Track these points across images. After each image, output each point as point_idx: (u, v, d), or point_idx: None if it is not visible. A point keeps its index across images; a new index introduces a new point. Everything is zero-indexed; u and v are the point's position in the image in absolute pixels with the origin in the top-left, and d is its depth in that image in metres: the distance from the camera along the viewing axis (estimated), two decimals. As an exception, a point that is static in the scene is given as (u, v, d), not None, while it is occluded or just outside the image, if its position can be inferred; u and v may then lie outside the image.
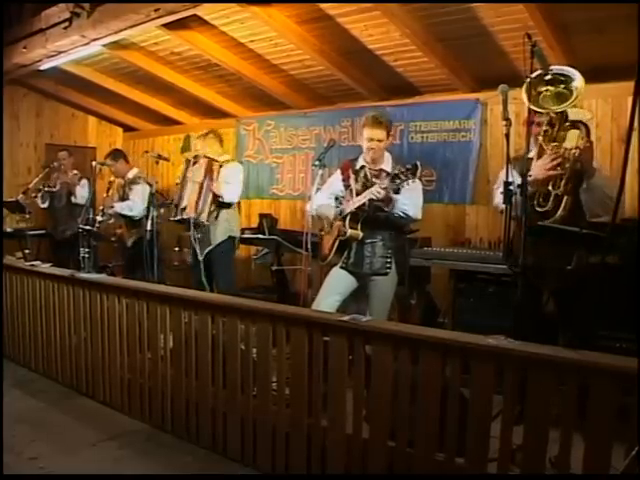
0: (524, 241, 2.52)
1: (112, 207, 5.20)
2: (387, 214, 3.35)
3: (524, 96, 2.64)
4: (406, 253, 3.62)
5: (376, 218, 3.39)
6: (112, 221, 5.33)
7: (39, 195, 6.05)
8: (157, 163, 4.94)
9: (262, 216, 5.38)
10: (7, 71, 5.69)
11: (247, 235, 5.11)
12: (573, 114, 2.82)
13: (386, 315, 3.51)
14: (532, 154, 2.82)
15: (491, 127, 4.74)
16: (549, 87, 2.69)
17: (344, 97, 5.57)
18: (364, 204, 3.32)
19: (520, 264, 2.53)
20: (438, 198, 4.99)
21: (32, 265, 4.21)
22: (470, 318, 3.86)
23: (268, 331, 2.73)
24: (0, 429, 2.96)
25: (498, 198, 2.82)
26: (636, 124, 1.76)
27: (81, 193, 5.92)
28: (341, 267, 3.54)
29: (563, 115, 2.74)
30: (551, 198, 2.75)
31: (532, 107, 2.63)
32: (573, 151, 2.69)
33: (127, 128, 8.11)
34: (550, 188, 2.76)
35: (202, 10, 4.13)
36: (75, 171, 6.11)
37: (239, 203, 4.63)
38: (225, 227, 4.42)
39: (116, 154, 5.49)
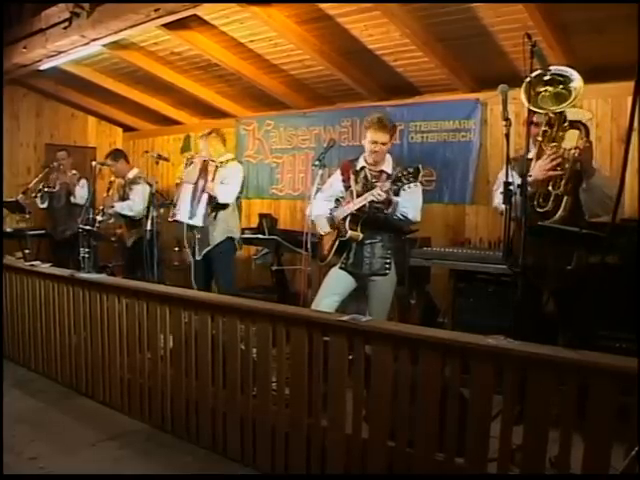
0: (524, 241, 2.52)
1: (112, 207, 5.20)
2: (386, 216, 3.35)
3: (523, 96, 2.64)
4: (405, 253, 3.63)
5: (376, 219, 3.39)
6: (112, 221, 5.34)
7: (38, 195, 6.05)
8: (157, 163, 4.94)
9: (262, 216, 5.39)
10: (7, 71, 5.69)
11: (247, 235, 5.11)
12: (572, 114, 2.82)
13: (386, 315, 3.52)
14: (532, 154, 2.82)
15: (491, 127, 4.74)
16: (548, 87, 2.69)
17: (344, 97, 5.57)
18: (364, 205, 3.32)
19: (520, 264, 2.53)
20: (438, 198, 4.99)
21: (32, 265, 4.21)
22: (470, 318, 3.86)
23: (268, 331, 2.73)
24: (0, 429, 2.96)
25: (498, 199, 2.82)
26: (636, 124, 1.76)
27: (80, 193, 5.93)
28: (340, 267, 3.55)
29: (562, 115, 2.74)
30: (551, 198, 2.75)
31: (531, 107, 2.63)
32: (572, 151, 2.69)
33: (127, 128, 8.11)
34: (550, 188, 2.76)
35: (202, 10, 4.13)
36: (74, 171, 6.11)
37: (240, 203, 4.60)
38: (224, 228, 4.39)
39: (116, 154, 5.49)
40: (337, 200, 3.61)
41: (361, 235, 3.41)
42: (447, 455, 2.20)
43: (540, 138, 2.80)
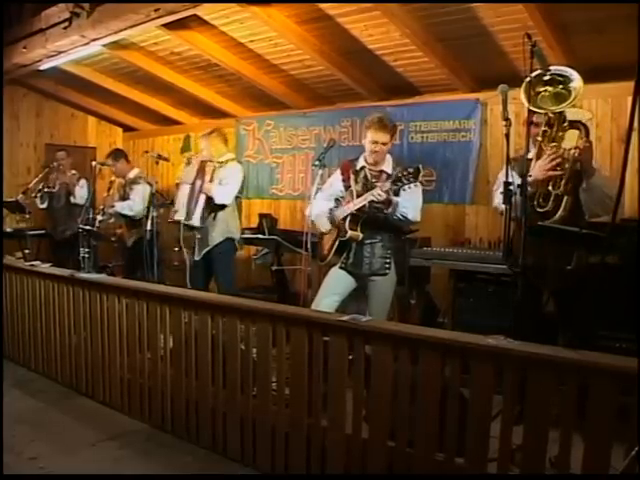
0: (524, 241, 2.52)
1: (112, 206, 5.20)
2: (386, 216, 3.35)
3: (523, 96, 2.64)
4: (405, 253, 3.63)
5: (376, 219, 3.39)
6: (112, 221, 5.34)
7: (38, 196, 6.06)
8: (157, 163, 4.94)
9: (262, 216, 5.39)
10: (7, 71, 5.69)
11: (247, 235, 5.11)
12: (572, 114, 2.82)
13: (386, 315, 3.52)
14: (531, 154, 2.82)
15: (491, 127, 4.74)
16: (548, 87, 2.69)
17: (344, 97, 5.57)
18: (364, 205, 3.32)
19: (520, 264, 2.53)
20: (438, 198, 4.99)
21: (32, 265, 4.21)
22: (470, 318, 3.86)
23: (268, 331, 2.73)
24: (0, 429, 2.96)
25: (498, 199, 2.82)
26: (636, 124, 1.76)
27: (80, 193, 5.93)
28: (340, 267, 3.55)
29: (561, 115, 2.74)
30: (551, 198, 2.75)
31: (531, 107, 2.63)
32: (572, 151, 2.69)
33: (127, 128, 8.11)
34: (550, 188, 2.76)
35: (202, 10, 4.13)
36: (73, 171, 6.11)
37: (240, 203, 4.59)
38: (223, 228, 4.36)
39: (117, 154, 5.49)
40: (337, 200, 3.61)
41: (361, 235, 3.41)
42: (447, 455, 2.20)
43: (540, 138, 2.80)
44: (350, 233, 3.39)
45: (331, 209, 3.58)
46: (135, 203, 5.15)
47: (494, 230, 4.48)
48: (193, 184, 4.40)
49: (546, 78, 2.68)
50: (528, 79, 2.59)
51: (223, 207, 4.34)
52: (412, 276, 3.86)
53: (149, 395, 3.29)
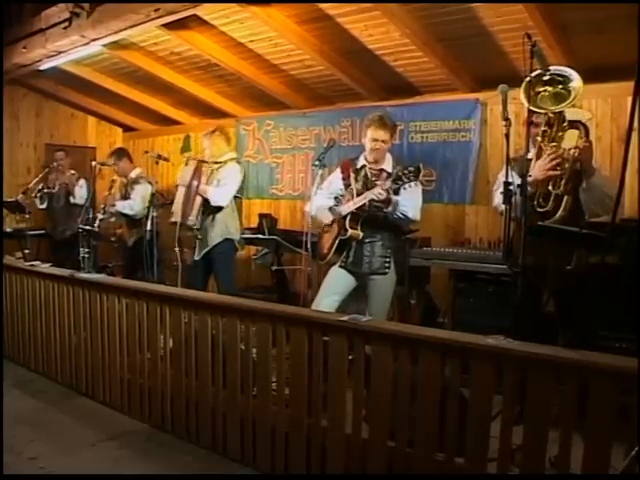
0: (524, 241, 2.52)
1: (113, 205, 5.20)
2: (386, 215, 3.36)
3: (523, 96, 2.64)
4: (405, 253, 3.63)
5: (375, 218, 3.40)
6: (113, 220, 5.34)
7: (38, 196, 6.06)
8: (157, 163, 4.93)
9: (262, 216, 5.39)
10: (7, 71, 5.69)
11: (247, 235, 5.10)
12: (571, 114, 2.83)
13: (385, 314, 3.52)
14: (531, 154, 2.82)
15: (491, 127, 4.74)
16: (547, 87, 2.69)
17: (344, 97, 5.57)
18: (364, 204, 3.32)
19: (520, 264, 2.53)
20: (438, 198, 5.00)
21: (32, 265, 4.21)
22: (470, 318, 3.86)
23: (268, 331, 2.73)
24: (0, 429, 2.96)
25: (498, 199, 2.82)
26: (636, 124, 1.76)
27: (79, 193, 5.94)
28: (340, 266, 3.55)
29: (561, 115, 2.74)
30: (551, 198, 2.75)
31: (531, 107, 2.63)
32: (572, 151, 2.69)
33: (127, 128, 8.11)
34: (550, 188, 2.76)
35: (202, 10, 4.13)
36: (72, 171, 6.12)
37: (240, 203, 4.58)
38: (222, 229, 4.34)
39: (120, 153, 5.49)
40: (336, 198, 3.61)
41: (361, 234, 3.41)
42: (447, 455, 2.20)
43: (540, 138, 2.80)
44: (350, 232, 3.40)
45: (331, 207, 3.59)
46: (136, 203, 5.15)
47: (494, 230, 4.48)
48: (189, 186, 4.39)
49: (546, 78, 2.68)
50: (528, 79, 2.59)
51: (220, 208, 4.33)
52: (412, 276, 3.86)
53: (149, 395, 3.30)
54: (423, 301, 4.51)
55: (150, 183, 4.98)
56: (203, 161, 4.45)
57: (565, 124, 2.75)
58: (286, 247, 4.99)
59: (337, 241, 3.50)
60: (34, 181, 6.13)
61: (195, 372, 3.04)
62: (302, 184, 6.00)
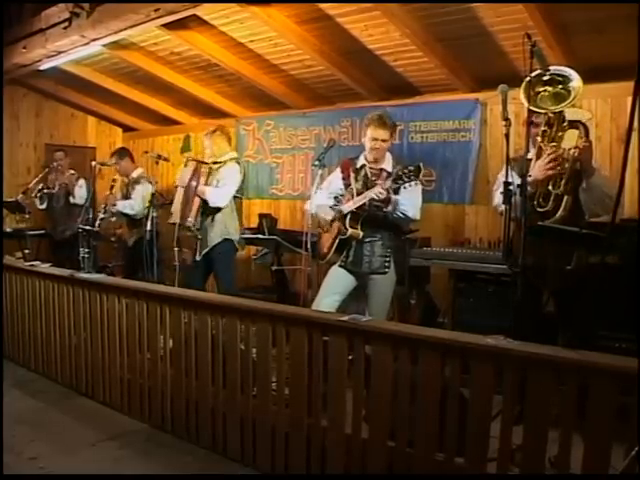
0: (524, 241, 2.52)
1: (114, 205, 5.21)
2: (386, 214, 3.36)
3: (522, 96, 2.64)
4: (405, 253, 3.63)
5: (375, 217, 3.40)
6: (114, 219, 5.34)
7: (38, 196, 6.07)
8: (157, 163, 4.93)
9: (262, 216, 5.39)
10: (7, 71, 5.69)
11: (247, 235, 5.10)
12: (571, 114, 2.83)
13: (385, 314, 3.52)
14: (531, 154, 2.82)
15: (491, 127, 4.74)
16: (547, 87, 2.69)
17: (344, 97, 5.57)
18: (364, 204, 3.32)
19: (520, 264, 2.53)
20: (438, 198, 4.99)
21: (32, 265, 4.21)
22: (470, 318, 3.86)
23: (268, 331, 2.73)
24: (0, 429, 2.96)
25: (498, 199, 2.82)
26: (636, 124, 1.76)
27: (79, 193, 5.95)
28: (340, 266, 3.55)
29: (561, 115, 2.74)
30: (551, 198, 2.75)
31: (530, 107, 2.63)
32: (572, 151, 2.69)
33: (127, 128, 8.11)
34: (550, 188, 2.76)
35: (202, 10, 4.13)
36: (72, 171, 6.12)
37: (240, 203, 4.58)
38: (221, 230, 4.34)
39: (122, 152, 5.49)
40: (336, 198, 3.61)
41: (361, 233, 3.41)
42: (447, 455, 2.21)
43: (540, 138, 2.80)
44: (350, 231, 3.40)
45: (331, 207, 3.59)
46: (136, 203, 5.15)
47: (494, 230, 4.48)
48: (188, 187, 4.39)
49: (546, 78, 2.68)
50: (528, 79, 2.59)
51: (219, 209, 4.32)
52: (412, 276, 3.86)
53: (149, 395, 3.29)
54: (423, 301, 4.51)
55: (151, 183, 4.98)
56: (202, 162, 4.45)
57: (565, 124, 2.75)
58: (286, 247, 4.99)
59: (337, 241, 3.50)
60: (34, 181, 6.14)
61: (195, 372, 3.04)
62: (302, 184, 6.00)
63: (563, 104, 2.64)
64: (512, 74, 3.80)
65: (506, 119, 2.60)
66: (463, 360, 2.17)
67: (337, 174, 3.67)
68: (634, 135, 2.96)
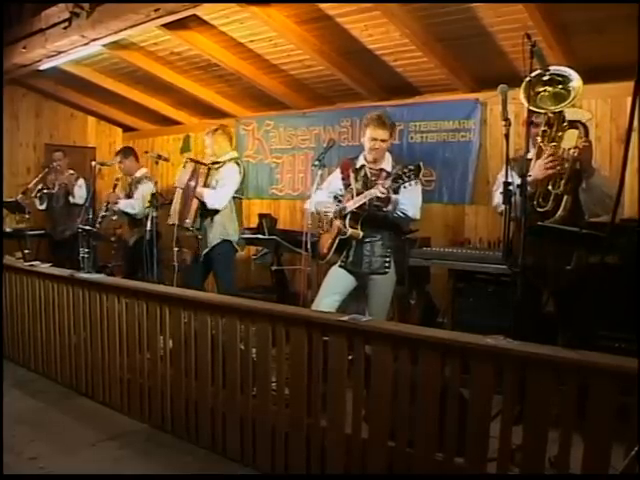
0: (524, 241, 2.52)
1: (116, 203, 5.21)
2: (386, 213, 3.36)
3: (522, 96, 2.64)
4: (405, 253, 3.63)
5: (375, 217, 3.39)
6: (115, 218, 5.35)
7: (37, 196, 6.07)
8: (157, 163, 4.93)
9: (262, 216, 5.39)
10: (7, 71, 5.69)
11: (247, 235, 5.10)
12: (571, 114, 2.83)
13: (385, 314, 3.52)
14: (531, 154, 2.82)
15: (491, 127, 4.74)
16: (547, 87, 2.69)
17: (344, 97, 5.57)
18: (364, 203, 3.32)
19: (520, 264, 2.53)
20: (437, 198, 4.99)
21: (31, 265, 4.22)
22: (469, 318, 3.86)
23: (267, 331, 2.73)
24: (0, 429, 2.96)
25: (498, 199, 2.82)
26: (635, 124, 1.77)
27: (79, 193, 5.95)
28: (340, 266, 3.55)
29: (561, 115, 2.75)
30: (551, 198, 2.75)
31: (530, 107, 2.63)
32: (572, 151, 2.69)
33: (126, 128, 8.11)
34: (550, 188, 2.76)
35: (202, 10, 4.13)
36: (71, 171, 6.13)
37: (240, 204, 4.57)
38: (220, 231, 4.34)
39: (126, 151, 5.50)
40: (336, 198, 3.61)
41: (361, 233, 3.41)
42: (447, 455, 2.21)
43: (539, 138, 2.80)
44: (350, 231, 3.40)
45: (335, 199, 3.59)
46: (137, 202, 5.15)
47: (494, 230, 4.48)
48: (186, 188, 4.38)
49: (545, 78, 2.68)
50: (528, 79, 2.59)
51: (218, 210, 4.32)
52: (412, 276, 3.86)
53: (149, 395, 3.30)
54: (423, 301, 4.51)
55: (154, 183, 5.00)
56: (200, 163, 4.45)
57: (565, 124, 2.76)
58: (286, 247, 4.99)
59: (337, 241, 3.50)
60: (33, 181, 6.14)
61: (195, 372, 3.04)
62: (302, 184, 6.00)
63: (563, 104, 2.64)
64: (512, 74, 3.80)
65: (506, 119, 2.61)
66: (463, 360, 2.17)
67: (337, 174, 3.67)
68: (634, 135, 2.97)
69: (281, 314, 2.70)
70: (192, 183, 4.36)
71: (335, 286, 3.54)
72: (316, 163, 3.52)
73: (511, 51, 4.07)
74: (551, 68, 2.67)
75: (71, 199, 5.97)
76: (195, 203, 4.32)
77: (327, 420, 2.54)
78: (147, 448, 3.03)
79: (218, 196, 4.30)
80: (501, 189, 2.64)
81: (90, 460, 2.88)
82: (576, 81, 2.62)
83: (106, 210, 5.16)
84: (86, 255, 4.38)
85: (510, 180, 2.58)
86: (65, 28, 4.58)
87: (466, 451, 2.16)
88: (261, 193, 6.43)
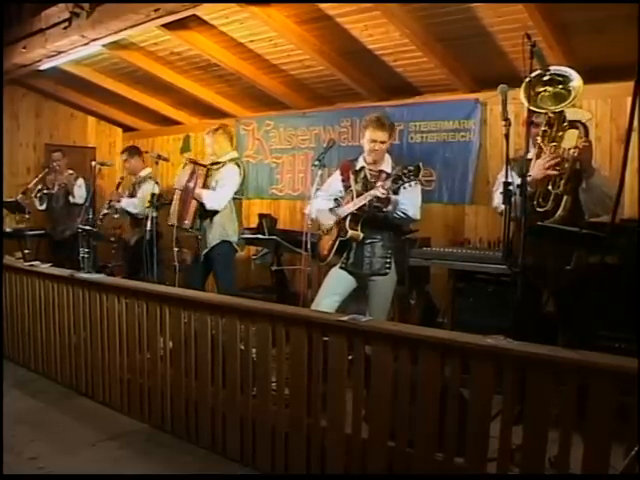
0: (524, 241, 2.52)
1: (119, 202, 5.22)
2: (386, 214, 3.36)
3: (522, 96, 2.64)
4: (405, 253, 3.63)
5: (375, 218, 3.39)
6: (117, 216, 5.35)
7: (37, 197, 6.07)
8: (157, 163, 4.93)
9: (262, 216, 5.38)
10: (7, 71, 5.69)
11: (247, 235, 5.10)
12: (571, 114, 2.83)
13: (386, 315, 3.52)
14: (531, 154, 2.82)
15: (490, 127, 4.74)
16: (547, 87, 2.70)
17: (344, 97, 5.57)
18: (365, 205, 3.32)
19: (520, 264, 2.53)
20: (437, 198, 4.99)
21: (31, 265, 4.21)
22: (469, 318, 3.86)
23: (267, 331, 2.73)
24: (0, 429, 2.96)
25: (498, 199, 2.83)
26: (635, 124, 1.77)
27: (79, 193, 5.96)
28: (341, 267, 3.55)
29: (561, 115, 2.75)
30: (551, 198, 2.76)
31: (530, 107, 2.63)
32: (572, 151, 2.70)
33: (126, 128, 8.11)
34: (550, 188, 2.76)
35: (202, 10, 4.13)
36: (70, 171, 6.13)
37: (240, 204, 4.57)
38: (220, 231, 4.33)
39: (132, 150, 5.51)
40: (336, 200, 3.61)
41: (361, 234, 3.41)
42: (447, 455, 2.21)
43: (540, 138, 2.80)
44: (351, 232, 3.39)
45: (331, 209, 3.59)
46: (140, 201, 5.16)
47: (494, 230, 4.48)
48: (185, 190, 4.38)
49: (546, 78, 2.68)
50: (528, 79, 2.59)
51: (217, 211, 4.32)
52: (412, 276, 3.86)
53: (149, 395, 3.30)
54: (423, 301, 4.51)
55: (157, 184, 5.02)
56: (199, 164, 4.45)
57: (565, 124, 2.76)
58: (286, 247, 4.99)
59: (337, 242, 3.50)
60: (33, 182, 6.14)
61: (195, 372, 3.04)
62: (302, 184, 6.00)
63: (563, 104, 2.64)
64: (512, 74, 3.80)
65: (506, 119, 2.61)
66: (463, 360, 2.17)
67: (337, 176, 3.67)
68: (634, 135, 2.97)
69: (281, 314, 2.70)
70: (191, 184, 4.36)
71: (335, 287, 3.54)
72: (316, 163, 3.52)
73: (511, 51, 4.07)
74: (551, 68, 2.67)
75: (71, 199, 5.97)
76: (194, 204, 4.32)
77: (327, 420, 2.54)
78: (147, 448, 3.03)
79: (217, 197, 4.30)
80: (501, 189, 2.64)
81: (90, 460, 2.88)
82: (576, 81, 2.62)
83: (108, 208, 5.16)
84: (86, 255, 4.39)
85: (510, 180, 2.58)
86: (65, 28, 4.58)
87: (466, 451, 2.16)
88: (261, 193, 6.43)
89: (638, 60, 1.87)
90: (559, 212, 2.73)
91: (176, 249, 4.49)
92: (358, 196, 3.37)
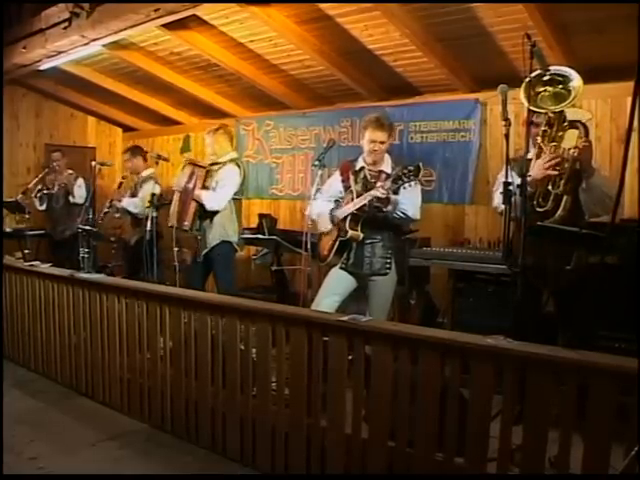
0: (524, 241, 2.52)
1: (120, 201, 5.22)
2: (386, 214, 3.36)
3: (522, 96, 2.64)
4: (405, 253, 3.63)
5: (375, 219, 3.39)
6: (118, 215, 5.35)
7: (37, 197, 6.07)
8: (157, 163, 4.94)
9: (262, 216, 5.38)
10: (7, 71, 5.69)
11: (247, 235, 5.10)
12: (571, 114, 2.83)
13: (386, 315, 3.52)
14: (531, 154, 2.82)
15: (490, 127, 4.74)
16: (547, 87, 2.70)
17: (344, 97, 5.57)
18: (364, 205, 3.32)
19: (520, 264, 2.53)
20: (437, 198, 4.99)
21: (31, 265, 4.22)
22: (469, 318, 3.86)
23: (267, 331, 2.73)
24: (0, 429, 2.96)
25: (498, 199, 2.83)
26: (635, 124, 1.77)
27: (79, 193, 5.96)
28: (341, 267, 3.55)
29: (561, 115, 2.75)
30: (551, 198, 2.76)
31: (530, 107, 2.63)
32: (572, 151, 2.70)
33: (126, 128, 8.11)
34: (550, 188, 2.76)
35: (202, 10, 4.13)
36: (70, 171, 6.13)
37: (240, 204, 4.57)
38: (220, 232, 4.33)
39: (135, 150, 5.50)
40: (336, 201, 3.61)
41: (361, 235, 3.41)
42: (447, 455, 2.21)
43: (540, 138, 2.80)
44: (351, 233, 3.39)
45: (331, 210, 3.59)
46: (141, 201, 5.15)
47: (494, 230, 4.48)
48: (184, 191, 4.38)
49: (546, 78, 2.68)
50: (528, 79, 2.59)
51: (217, 211, 4.31)
52: (412, 276, 3.86)
53: (149, 395, 3.30)
54: (423, 301, 4.51)
55: (158, 184, 5.02)
56: (199, 165, 4.45)
57: (565, 124, 2.76)
58: (286, 247, 4.99)
59: (337, 243, 3.50)
60: (33, 182, 6.14)
61: (195, 372, 3.04)
62: (302, 184, 6.00)
63: (563, 104, 2.64)
64: (512, 74, 3.80)
65: (506, 119, 2.61)
66: (463, 360, 2.17)
67: (336, 177, 3.67)
68: (634, 135, 2.97)
69: (281, 314, 2.70)
70: (190, 185, 4.36)
71: (335, 287, 3.54)
72: (316, 163, 3.52)
73: (511, 51, 4.07)
74: (551, 68, 2.67)
75: (71, 199, 5.98)
76: (193, 206, 4.32)
77: (327, 420, 2.54)
78: (147, 448, 3.03)
79: (217, 197, 4.29)
80: (501, 189, 2.64)
81: (90, 460, 2.88)
82: (576, 81, 2.62)
83: (109, 207, 5.16)
84: (86, 255, 4.38)
85: (510, 180, 2.58)
86: (65, 28, 4.58)
87: (466, 451, 2.16)
88: (261, 193, 6.43)
89: (638, 60, 1.87)
90: (559, 212, 2.73)
91: (176, 249, 4.49)
92: (358, 196, 3.37)
